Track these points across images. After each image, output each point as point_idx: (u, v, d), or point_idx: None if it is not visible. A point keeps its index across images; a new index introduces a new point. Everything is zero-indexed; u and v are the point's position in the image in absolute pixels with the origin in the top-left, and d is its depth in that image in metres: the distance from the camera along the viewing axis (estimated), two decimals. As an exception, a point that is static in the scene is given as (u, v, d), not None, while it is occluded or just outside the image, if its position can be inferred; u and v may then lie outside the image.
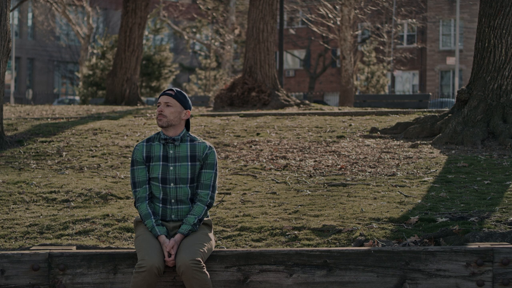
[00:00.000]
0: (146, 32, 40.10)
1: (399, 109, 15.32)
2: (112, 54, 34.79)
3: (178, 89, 5.24)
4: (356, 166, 8.68)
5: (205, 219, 5.18)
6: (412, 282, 5.13)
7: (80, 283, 5.10)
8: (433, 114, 11.71)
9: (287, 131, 11.51)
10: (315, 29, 38.10)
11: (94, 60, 36.53)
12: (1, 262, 5.07)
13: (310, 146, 10.09)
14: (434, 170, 8.24)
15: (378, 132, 11.15)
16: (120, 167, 8.92)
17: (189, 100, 5.25)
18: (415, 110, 15.16)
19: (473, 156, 8.94)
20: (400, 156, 9.16)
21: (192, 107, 19.05)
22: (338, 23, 34.81)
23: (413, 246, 5.27)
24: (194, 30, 49.22)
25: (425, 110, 15.45)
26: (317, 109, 16.21)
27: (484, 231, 5.74)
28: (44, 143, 10.44)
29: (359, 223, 6.08)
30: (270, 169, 8.68)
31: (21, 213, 6.80)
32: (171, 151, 5.15)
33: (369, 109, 16.08)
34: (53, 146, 10.23)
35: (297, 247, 5.72)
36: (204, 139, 10.65)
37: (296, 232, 6.01)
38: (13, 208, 7.02)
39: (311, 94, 46.33)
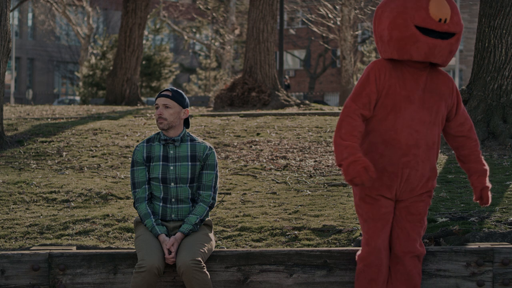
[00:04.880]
0: (146, 32, 40.12)
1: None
2: (112, 54, 34.81)
3: (174, 88, 5.22)
4: (356, 166, 8.66)
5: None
6: (412, 282, 5.13)
7: (80, 283, 5.10)
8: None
9: (287, 131, 11.51)
10: (315, 29, 38.12)
11: (94, 60, 36.56)
12: (1, 262, 5.07)
13: (310, 146, 10.09)
14: (434, 170, 8.24)
15: (378, 132, 11.14)
16: (120, 167, 8.92)
17: (186, 98, 5.24)
18: (415, 110, 15.12)
19: (473, 156, 8.93)
20: (400, 156, 9.15)
21: (192, 107, 19.07)
22: (338, 23, 34.84)
23: (413, 246, 5.26)
24: (194, 30, 49.24)
25: (425, 110, 15.41)
26: (317, 109, 16.21)
27: (484, 231, 5.74)
28: (44, 143, 10.44)
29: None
30: (270, 169, 8.68)
31: (21, 213, 6.80)
32: (171, 151, 5.15)
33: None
34: (53, 146, 10.23)
35: (297, 247, 5.72)
36: (204, 139, 10.65)
37: (296, 232, 6.01)
38: (13, 208, 7.02)
39: (311, 94, 46.35)
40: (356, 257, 4.86)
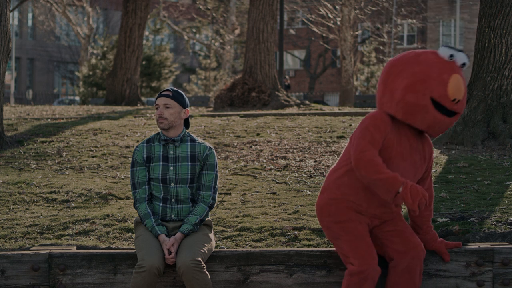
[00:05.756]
0: (146, 33, 40.13)
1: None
2: (112, 54, 34.81)
3: (175, 88, 5.22)
4: (356, 166, 8.66)
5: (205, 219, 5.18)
6: (412, 282, 5.12)
7: (80, 283, 5.10)
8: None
9: (287, 131, 11.51)
10: (315, 29, 38.11)
11: (94, 60, 36.56)
12: (1, 263, 5.07)
13: (310, 146, 10.09)
14: (434, 170, 8.25)
15: (378, 132, 11.12)
16: (120, 167, 8.92)
17: (186, 98, 5.24)
18: (415, 110, 15.10)
19: (473, 156, 8.94)
20: (400, 156, 9.15)
21: (192, 107, 19.06)
22: (338, 23, 34.83)
23: (413, 246, 5.27)
24: (194, 30, 49.23)
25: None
26: (317, 109, 16.21)
27: (484, 231, 5.74)
28: (44, 144, 10.44)
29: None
30: (270, 169, 8.68)
31: (21, 214, 6.80)
32: (171, 152, 5.15)
33: (369, 109, 16.08)
34: (53, 146, 10.23)
35: (297, 247, 5.73)
36: (204, 139, 10.65)
37: (296, 232, 6.01)
38: (13, 209, 7.02)
39: (311, 94, 46.33)
40: (349, 269, 4.78)
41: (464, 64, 4.78)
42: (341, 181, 4.83)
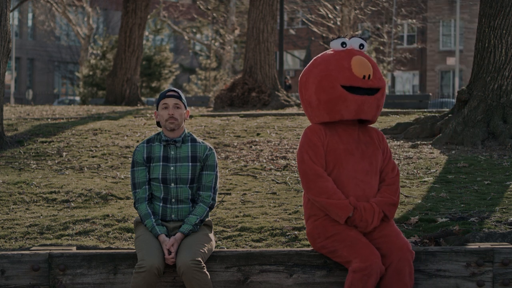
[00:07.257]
0: (146, 33, 40.13)
1: (399, 109, 15.33)
2: (112, 54, 34.81)
3: (177, 89, 5.22)
4: (356, 167, 8.66)
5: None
6: (412, 283, 5.12)
7: (80, 284, 5.10)
8: (433, 114, 11.72)
9: (287, 131, 11.51)
10: (315, 29, 38.11)
11: (94, 60, 36.55)
12: (1, 263, 5.07)
13: (310, 146, 10.08)
14: (434, 171, 8.25)
15: (378, 133, 11.12)
16: (120, 167, 8.92)
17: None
18: (415, 110, 15.16)
19: (473, 157, 8.94)
20: (400, 156, 9.16)
21: (192, 107, 19.06)
22: (338, 23, 34.82)
23: (413, 246, 5.27)
24: (194, 30, 49.22)
25: (425, 110, 15.44)
26: (317, 109, 16.18)
27: (484, 231, 5.74)
28: (44, 144, 10.44)
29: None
30: (270, 169, 8.68)
31: (21, 214, 6.80)
32: (172, 152, 5.15)
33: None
34: (53, 146, 10.23)
35: (297, 247, 5.73)
36: (204, 139, 10.66)
37: (296, 232, 6.01)
38: (13, 209, 7.02)
39: (311, 94, 46.27)
40: (352, 266, 4.80)
41: (361, 45, 4.93)
42: (311, 202, 4.95)
